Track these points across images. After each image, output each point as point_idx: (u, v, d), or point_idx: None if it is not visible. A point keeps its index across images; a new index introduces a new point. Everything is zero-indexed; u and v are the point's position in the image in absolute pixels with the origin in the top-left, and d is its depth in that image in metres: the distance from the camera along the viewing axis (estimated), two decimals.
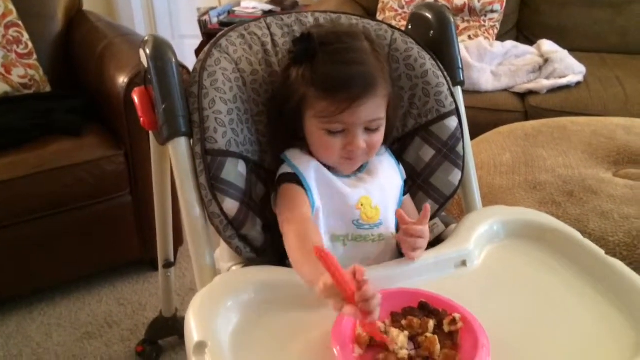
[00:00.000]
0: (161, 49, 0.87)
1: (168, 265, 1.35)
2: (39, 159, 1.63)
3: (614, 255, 1.16)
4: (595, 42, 2.46)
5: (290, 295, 0.80)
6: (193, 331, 0.73)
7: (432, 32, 1.04)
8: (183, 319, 1.61)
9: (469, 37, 2.33)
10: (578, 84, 2.12)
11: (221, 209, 0.86)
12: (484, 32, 2.36)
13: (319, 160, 0.91)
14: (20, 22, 1.92)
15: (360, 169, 0.95)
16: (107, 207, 1.74)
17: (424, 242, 0.85)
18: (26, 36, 1.93)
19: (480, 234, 0.92)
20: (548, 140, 1.62)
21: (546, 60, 2.14)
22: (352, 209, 0.89)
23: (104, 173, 1.69)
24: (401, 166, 1.00)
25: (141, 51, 0.89)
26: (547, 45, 2.23)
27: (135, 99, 0.91)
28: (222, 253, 0.96)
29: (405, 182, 0.99)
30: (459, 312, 0.75)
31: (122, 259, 1.87)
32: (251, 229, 0.89)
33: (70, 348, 1.62)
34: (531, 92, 2.10)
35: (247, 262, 0.92)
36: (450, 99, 1.00)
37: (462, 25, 2.38)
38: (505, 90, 2.13)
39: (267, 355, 0.73)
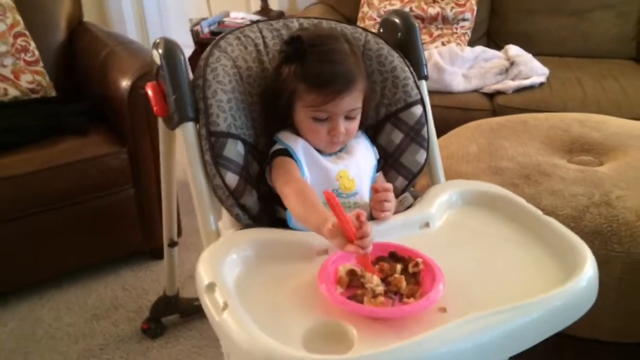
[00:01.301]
0: (172, 49, 1.04)
1: (172, 244, 1.51)
2: (50, 156, 1.78)
3: None
4: (559, 47, 2.67)
5: (283, 250, 0.97)
6: (203, 277, 0.88)
7: (399, 34, 1.22)
8: (185, 298, 1.77)
9: (442, 44, 2.52)
10: (542, 84, 2.32)
11: (224, 182, 1.03)
12: (456, 39, 2.55)
13: (307, 141, 1.09)
14: (27, 32, 2.08)
15: (341, 150, 1.12)
16: (111, 200, 1.89)
17: (391, 206, 1.02)
18: (33, 45, 2.08)
19: (442, 201, 1.10)
20: (510, 133, 1.80)
21: (512, 64, 2.33)
22: (332, 180, 1.06)
23: (109, 168, 1.85)
24: (375, 148, 1.18)
25: (154, 51, 1.06)
26: (513, 50, 2.43)
27: (149, 91, 1.08)
28: (225, 221, 1.13)
29: (379, 161, 1.17)
30: (421, 258, 0.92)
31: (126, 249, 2.02)
32: (248, 199, 1.06)
33: (80, 328, 1.77)
34: (498, 92, 2.30)
35: (246, 228, 1.09)
36: (416, 90, 1.18)
37: (436, 33, 2.58)
38: (475, 91, 2.33)
39: (266, 294, 0.89)
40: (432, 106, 2.30)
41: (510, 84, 2.26)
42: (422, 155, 1.18)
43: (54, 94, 2.11)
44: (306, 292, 0.89)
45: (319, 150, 1.09)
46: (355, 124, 1.09)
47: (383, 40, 1.21)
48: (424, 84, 1.22)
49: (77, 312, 1.84)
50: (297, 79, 1.03)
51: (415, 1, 2.59)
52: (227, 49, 1.10)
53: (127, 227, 1.96)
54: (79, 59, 2.20)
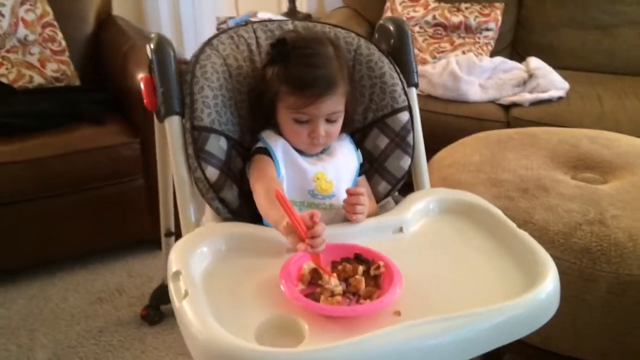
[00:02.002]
0: (162, 45, 1.09)
1: (169, 234, 1.56)
2: (67, 142, 1.85)
3: (552, 242, 1.36)
4: (584, 62, 2.63)
5: (254, 245, 1.00)
6: (172, 264, 0.93)
7: (392, 40, 1.24)
8: None
9: (463, 53, 2.51)
10: (560, 98, 2.29)
11: (204, 175, 1.06)
12: (478, 49, 2.54)
13: (288, 141, 1.11)
14: (55, 23, 2.17)
15: (323, 151, 1.15)
16: (122, 189, 1.96)
17: (363, 209, 1.04)
18: (60, 35, 2.17)
19: (419, 208, 1.11)
20: (517, 146, 1.79)
21: (531, 76, 2.31)
22: (308, 182, 1.09)
23: (121, 157, 1.91)
24: (359, 151, 1.20)
25: (147, 46, 1.11)
26: (534, 62, 2.40)
27: (142, 84, 1.13)
28: (207, 214, 1.17)
29: (362, 165, 1.19)
30: (383, 261, 0.94)
31: (134, 237, 2.08)
32: (228, 193, 1.09)
33: (84, 309, 1.84)
34: (515, 104, 2.28)
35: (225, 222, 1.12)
36: (403, 97, 1.20)
37: (458, 41, 2.57)
38: (492, 101, 2.31)
39: (230, 285, 0.92)
40: (446, 115, 2.31)
41: (527, 97, 2.24)
42: (406, 161, 1.19)
43: (77, 83, 2.20)
44: (268, 286, 0.91)
45: (300, 151, 1.12)
46: (337, 127, 1.11)
47: (376, 46, 1.22)
48: (413, 91, 1.24)
49: (83, 294, 1.91)
50: (279, 81, 1.06)
51: (439, 9, 2.59)
52: (219, 47, 1.14)
53: (136, 215, 2.02)
54: (104, 50, 2.29)
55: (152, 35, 1.12)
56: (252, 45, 1.18)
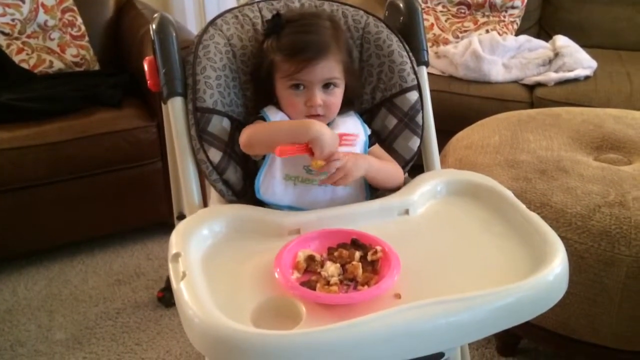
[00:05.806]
0: (164, 25, 1.08)
1: (181, 217, 1.56)
2: (84, 126, 1.87)
3: (569, 225, 1.32)
4: (614, 39, 2.53)
5: (256, 227, 0.99)
6: (173, 246, 0.93)
7: (402, 18, 1.20)
8: None
9: (487, 32, 2.43)
10: (587, 78, 2.21)
11: (207, 157, 1.05)
12: (503, 27, 2.46)
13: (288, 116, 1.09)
14: (75, 8, 2.18)
15: None
16: (140, 172, 1.98)
17: (339, 170, 0.99)
18: (80, 20, 2.19)
19: (426, 190, 1.08)
20: (538, 126, 1.73)
21: (556, 55, 2.23)
22: (303, 156, 1.03)
23: (139, 141, 1.92)
24: (366, 126, 1.15)
25: (150, 26, 1.10)
26: (560, 40, 2.32)
27: (145, 65, 1.12)
28: (213, 197, 1.16)
29: (370, 137, 1.14)
30: (380, 246, 0.92)
31: (152, 220, 2.10)
32: (232, 175, 1.08)
33: (102, 291, 1.86)
34: (539, 84, 2.21)
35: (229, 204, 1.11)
36: (412, 76, 1.16)
37: (481, 20, 2.49)
38: (515, 81, 2.24)
39: (229, 267, 0.91)
40: (468, 96, 2.26)
41: (552, 76, 2.17)
42: (415, 142, 1.16)
43: (97, 67, 2.21)
44: (268, 269, 0.90)
45: None
46: (335, 97, 1.07)
47: (385, 24, 1.19)
48: (423, 70, 1.20)
49: (102, 276, 1.93)
50: (273, 51, 1.05)
51: None
52: (223, 27, 1.12)
53: (154, 199, 2.03)
54: (123, 35, 2.29)
55: (155, 15, 1.10)
56: (257, 24, 1.16)
